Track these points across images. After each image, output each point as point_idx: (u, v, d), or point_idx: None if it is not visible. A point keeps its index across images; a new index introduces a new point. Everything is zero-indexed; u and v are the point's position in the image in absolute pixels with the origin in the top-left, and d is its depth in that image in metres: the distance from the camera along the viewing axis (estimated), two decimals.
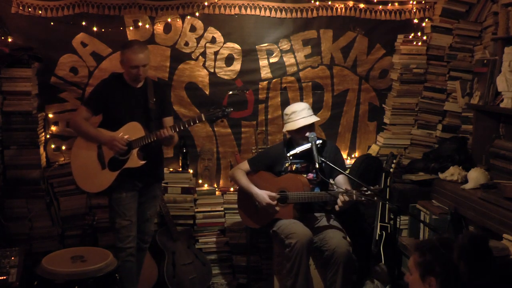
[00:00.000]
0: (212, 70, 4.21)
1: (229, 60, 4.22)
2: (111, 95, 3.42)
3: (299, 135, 3.57)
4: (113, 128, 3.41)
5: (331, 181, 3.65)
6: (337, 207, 3.34)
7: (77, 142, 3.52)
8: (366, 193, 3.23)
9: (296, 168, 3.63)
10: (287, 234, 3.38)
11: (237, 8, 4.12)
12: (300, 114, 3.55)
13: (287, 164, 3.64)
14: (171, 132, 3.32)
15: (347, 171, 3.72)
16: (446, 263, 2.02)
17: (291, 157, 3.62)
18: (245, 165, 3.75)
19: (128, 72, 3.39)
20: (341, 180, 3.58)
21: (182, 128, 3.35)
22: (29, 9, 3.87)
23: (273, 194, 3.53)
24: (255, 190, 3.58)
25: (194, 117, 3.33)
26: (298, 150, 3.58)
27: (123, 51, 3.37)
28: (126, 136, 3.35)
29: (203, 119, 3.32)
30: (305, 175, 3.59)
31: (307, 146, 3.54)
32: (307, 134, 3.52)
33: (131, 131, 3.37)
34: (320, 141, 3.60)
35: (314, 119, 3.57)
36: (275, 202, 3.52)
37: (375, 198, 3.25)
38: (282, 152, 3.68)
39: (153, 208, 3.66)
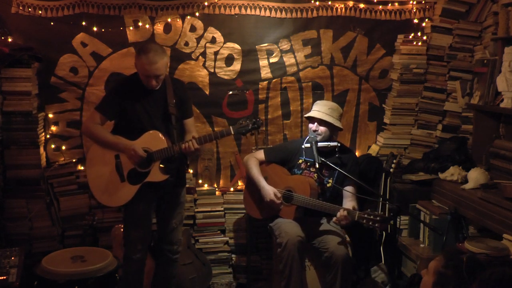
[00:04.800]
0: (212, 70, 4.21)
1: (229, 60, 4.22)
2: (127, 99, 3.10)
3: (310, 125, 3.60)
4: (130, 136, 3.11)
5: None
6: (334, 219, 3.30)
7: (92, 150, 3.23)
8: (369, 217, 3.15)
9: (308, 166, 3.61)
10: (279, 232, 3.39)
11: (237, 8, 4.12)
12: (320, 108, 3.59)
13: (300, 161, 3.64)
14: (197, 145, 3.04)
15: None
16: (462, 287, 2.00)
17: (305, 151, 3.60)
18: (260, 154, 3.74)
19: (141, 77, 3.09)
20: (348, 191, 3.54)
21: (208, 141, 3.13)
22: (29, 9, 3.87)
23: (279, 194, 3.52)
24: (263, 183, 3.57)
25: (222, 130, 3.13)
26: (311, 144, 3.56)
27: (139, 56, 3.01)
28: (145, 147, 3.08)
29: (232, 132, 3.10)
30: (316, 174, 3.56)
31: (323, 144, 3.54)
32: (314, 126, 3.56)
33: (152, 141, 3.08)
34: (336, 144, 3.55)
35: (326, 117, 3.54)
36: (279, 201, 3.52)
37: (377, 225, 3.12)
38: (299, 147, 3.67)
39: (179, 216, 3.38)
